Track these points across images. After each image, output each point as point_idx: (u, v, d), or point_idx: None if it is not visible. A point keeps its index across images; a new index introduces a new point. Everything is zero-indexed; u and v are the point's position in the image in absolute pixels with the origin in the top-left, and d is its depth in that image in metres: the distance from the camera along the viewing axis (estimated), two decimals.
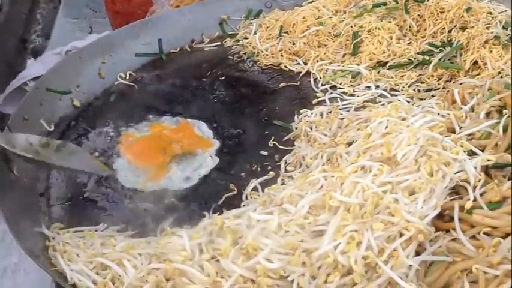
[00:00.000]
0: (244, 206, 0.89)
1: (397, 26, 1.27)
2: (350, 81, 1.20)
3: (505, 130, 0.88)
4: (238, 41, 1.41)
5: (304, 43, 1.30)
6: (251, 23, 1.44)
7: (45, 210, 0.91)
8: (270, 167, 0.99)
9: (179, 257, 0.72)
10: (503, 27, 1.19)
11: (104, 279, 0.73)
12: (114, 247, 0.78)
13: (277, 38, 1.34)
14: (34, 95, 1.09)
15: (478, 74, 1.15)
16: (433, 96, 1.11)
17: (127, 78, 1.28)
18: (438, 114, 0.98)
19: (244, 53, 1.35)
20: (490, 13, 1.23)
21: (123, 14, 1.68)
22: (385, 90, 1.16)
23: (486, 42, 1.17)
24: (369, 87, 1.17)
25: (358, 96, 1.15)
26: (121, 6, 1.70)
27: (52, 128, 1.08)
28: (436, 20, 1.24)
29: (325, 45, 1.29)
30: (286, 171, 0.97)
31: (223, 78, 1.26)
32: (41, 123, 1.06)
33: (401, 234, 0.71)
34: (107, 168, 0.98)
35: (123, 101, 1.21)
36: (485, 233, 0.72)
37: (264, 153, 1.03)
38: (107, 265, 0.75)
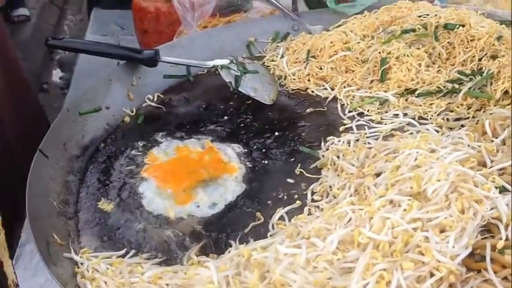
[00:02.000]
0: (270, 235, 0.89)
1: (426, 53, 1.26)
2: (378, 109, 1.19)
3: None
4: (265, 63, 1.41)
5: (332, 68, 1.30)
6: (278, 46, 1.45)
7: (75, 234, 0.92)
8: (296, 196, 0.98)
9: None
10: None
11: None
12: (142, 276, 0.79)
13: (305, 62, 1.34)
14: (65, 118, 1.11)
15: (509, 104, 1.13)
16: (462, 126, 1.10)
17: (155, 100, 1.30)
18: (468, 145, 0.97)
19: None
20: None
21: (151, 33, 1.71)
22: (413, 118, 1.15)
23: None
24: (397, 115, 1.17)
25: (385, 124, 1.14)
26: (149, 25, 1.73)
27: (81, 151, 1.10)
28: (466, 48, 1.23)
29: (353, 71, 1.29)
30: (313, 200, 0.97)
31: (249, 101, 1.26)
32: (70, 145, 1.08)
33: (431, 275, 0.70)
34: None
35: (151, 123, 1.23)
36: None
37: (290, 181, 1.03)
38: None
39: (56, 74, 3.73)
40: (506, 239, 0.75)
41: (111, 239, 0.92)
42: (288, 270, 0.73)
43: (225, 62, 1.30)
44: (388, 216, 0.77)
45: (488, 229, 0.79)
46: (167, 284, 0.77)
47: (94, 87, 1.21)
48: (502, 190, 0.83)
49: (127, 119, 1.23)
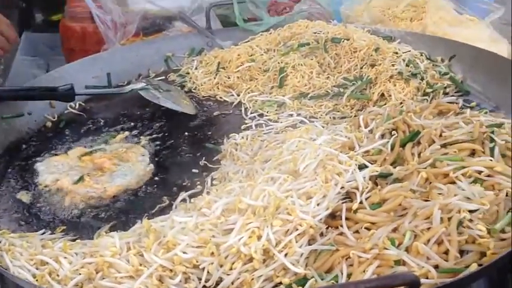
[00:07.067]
0: None
1: (318, 62, 1.45)
2: (276, 110, 1.36)
3: (392, 148, 1.05)
4: (181, 75, 1.56)
5: (238, 77, 1.47)
6: (193, 60, 1.61)
7: None
8: (198, 182, 1.12)
9: (108, 252, 0.84)
10: (406, 65, 1.39)
11: (42, 272, 0.84)
12: (53, 248, 0.89)
13: (215, 73, 1.50)
14: None
15: (385, 104, 1.33)
16: (345, 123, 1.28)
17: (76, 108, 1.41)
18: (345, 136, 1.15)
19: (184, 87, 1.50)
20: (396, 53, 1.43)
21: (78, 52, 1.82)
22: (305, 117, 1.32)
23: (391, 77, 1.36)
24: (291, 114, 1.34)
25: (281, 122, 1.31)
26: (76, 44, 1.84)
27: (2, 151, 1.20)
28: (350, 58, 1.43)
29: (256, 79, 1.46)
30: (212, 185, 1.11)
31: (164, 108, 1.40)
32: None
33: (296, 230, 0.86)
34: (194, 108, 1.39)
35: (72, 127, 1.34)
36: (366, 228, 0.87)
37: (195, 171, 1.17)
38: (45, 261, 0.86)
39: None
40: (361, 202, 0.92)
41: (28, 223, 1.03)
42: (180, 233, 0.86)
43: (141, 85, 1.43)
44: (265, 187, 0.92)
45: (350, 197, 0.96)
46: (76, 253, 0.88)
47: None
48: (363, 167, 1.01)
49: (48, 124, 1.34)
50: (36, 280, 0.83)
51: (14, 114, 1.27)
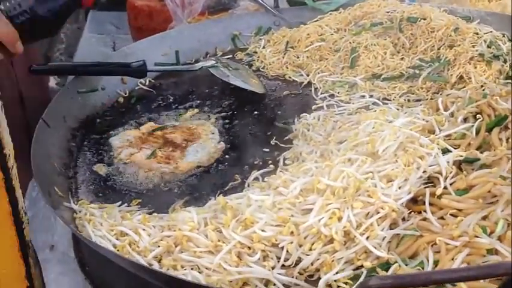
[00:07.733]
0: None
1: (392, 43, 1.40)
2: (347, 91, 1.33)
3: (477, 132, 1.00)
4: (248, 54, 1.55)
5: (307, 57, 1.44)
6: (260, 39, 1.58)
7: (73, 190, 1.04)
8: (270, 162, 1.11)
9: (187, 227, 0.85)
10: (488, 46, 1.32)
11: (123, 243, 0.85)
12: (132, 220, 0.90)
13: (283, 52, 1.48)
14: (65, 94, 1.23)
15: (463, 87, 1.27)
16: (421, 105, 1.23)
17: (146, 84, 1.42)
18: (423, 119, 1.10)
19: (252, 65, 1.49)
20: (476, 33, 1.35)
21: (145, 30, 1.83)
22: (378, 99, 1.28)
23: (471, 59, 1.29)
24: (363, 96, 1.30)
25: (353, 103, 1.27)
26: (143, 22, 1.86)
27: (79, 124, 1.22)
28: (427, 38, 1.37)
29: (326, 59, 1.43)
30: (284, 164, 1.09)
31: (233, 86, 1.39)
32: (69, 118, 1.20)
33: (377, 213, 0.83)
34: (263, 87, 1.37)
35: (142, 103, 1.36)
36: (451, 215, 0.83)
37: (266, 150, 1.15)
38: (125, 232, 0.87)
39: (53, 81, 3.89)
40: (445, 188, 0.88)
41: (105, 195, 1.05)
42: (257, 211, 0.85)
43: (211, 63, 1.42)
44: (344, 168, 0.89)
45: (432, 182, 0.92)
46: (154, 226, 0.89)
47: None
48: (446, 151, 0.97)
49: (121, 99, 1.36)
50: (118, 250, 0.84)
51: (88, 89, 1.29)
